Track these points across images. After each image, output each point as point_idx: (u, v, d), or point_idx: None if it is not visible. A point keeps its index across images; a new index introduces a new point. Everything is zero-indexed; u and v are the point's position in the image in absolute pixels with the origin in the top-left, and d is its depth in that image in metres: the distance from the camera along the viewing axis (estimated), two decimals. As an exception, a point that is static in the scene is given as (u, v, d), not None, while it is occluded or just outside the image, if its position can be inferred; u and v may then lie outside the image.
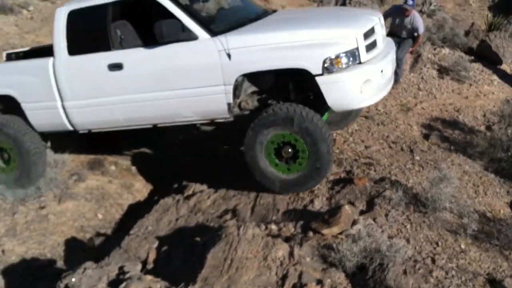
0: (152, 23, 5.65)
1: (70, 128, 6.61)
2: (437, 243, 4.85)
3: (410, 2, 8.60)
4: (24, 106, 6.62)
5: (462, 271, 4.50)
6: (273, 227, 5.21)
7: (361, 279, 4.29)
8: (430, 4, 14.20)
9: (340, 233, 4.92)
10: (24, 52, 7.84)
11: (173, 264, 4.97)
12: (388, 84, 5.98)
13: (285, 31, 5.56)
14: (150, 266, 5.06)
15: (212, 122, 6.17)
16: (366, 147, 7.09)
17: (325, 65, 5.24)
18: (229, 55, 5.47)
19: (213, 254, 4.51)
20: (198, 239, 5.14)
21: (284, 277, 4.30)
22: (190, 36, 5.63)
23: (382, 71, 5.64)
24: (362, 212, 5.31)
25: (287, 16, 6.95)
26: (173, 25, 5.55)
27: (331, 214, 5.15)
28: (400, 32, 8.93)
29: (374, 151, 6.92)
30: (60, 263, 6.03)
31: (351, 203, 5.46)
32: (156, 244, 5.39)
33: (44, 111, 6.53)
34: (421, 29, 8.84)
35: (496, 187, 6.24)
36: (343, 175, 6.13)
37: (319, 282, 4.25)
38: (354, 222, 5.04)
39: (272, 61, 5.41)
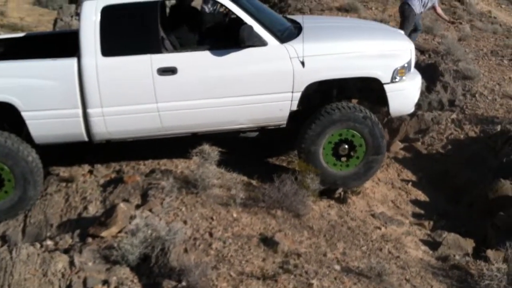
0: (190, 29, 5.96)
1: (86, 138, 5.72)
2: (212, 218, 5.15)
3: None
4: (26, 115, 5.45)
5: (238, 237, 4.87)
6: (49, 242, 4.99)
7: (146, 268, 4.39)
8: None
9: (120, 232, 4.92)
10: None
11: None
12: None
13: (360, 41, 5.88)
14: None
15: (262, 129, 6.08)
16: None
17: (394, 75, 5.69)
18: (303, 63, 5.43)
19: (-15, 286, 4.18)
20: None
21: (68, 287, 4.17)
22: (260, 42, 5.51)
23: None
24: (138, 206, 5.35)
25: (332, 24, 6.99)
26: (250, 29, 5.43)
27: (108, 215, 5.12)
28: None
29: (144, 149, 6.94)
30: None
31: (126, 200, 5.47)
32: None
33: (55, 120, 5.52)
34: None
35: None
36: (113, 175, 6.09)
37: (105, 282, 4.25)
38: (132, 217, 5.07)
39: (347, 70, 5.63)
